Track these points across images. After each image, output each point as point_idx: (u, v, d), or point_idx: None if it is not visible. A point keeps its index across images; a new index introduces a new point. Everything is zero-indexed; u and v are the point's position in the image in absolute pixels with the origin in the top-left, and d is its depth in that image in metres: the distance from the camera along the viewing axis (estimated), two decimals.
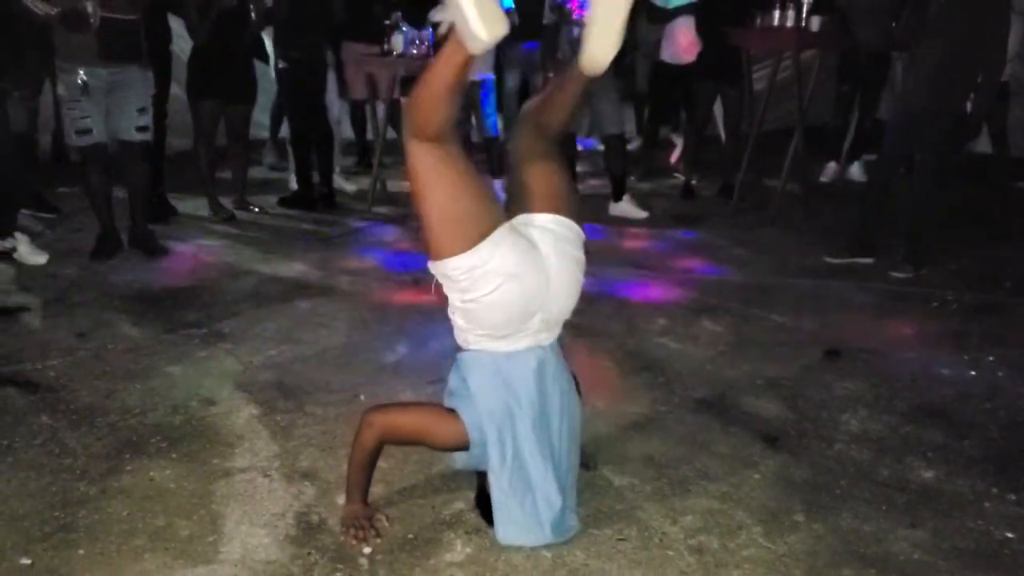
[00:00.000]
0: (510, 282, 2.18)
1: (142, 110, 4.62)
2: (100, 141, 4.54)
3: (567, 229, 2.33)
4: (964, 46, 4.45)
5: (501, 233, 2.19)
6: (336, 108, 6.51)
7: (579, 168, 6.52)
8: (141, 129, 4.64)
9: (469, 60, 2.13)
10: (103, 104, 4.47)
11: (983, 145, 7.27)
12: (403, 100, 7.00)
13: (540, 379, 2.29)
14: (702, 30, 6.33)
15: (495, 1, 2.05)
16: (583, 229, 2.40)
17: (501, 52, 6.22)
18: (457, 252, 2.17)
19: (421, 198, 2.19)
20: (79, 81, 4.35)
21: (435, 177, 2.17)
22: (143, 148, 4.73)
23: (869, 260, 4.94)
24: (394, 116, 7.18)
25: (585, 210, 6.10)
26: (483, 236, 2.17)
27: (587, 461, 2.66)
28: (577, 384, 2.51)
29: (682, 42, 6.33)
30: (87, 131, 4.45)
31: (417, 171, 2.18)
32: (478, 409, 2.25)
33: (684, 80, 6.56)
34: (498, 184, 6.11)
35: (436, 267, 2.24)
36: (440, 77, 2.13)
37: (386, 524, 2.39)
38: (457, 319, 2.31)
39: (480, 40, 2.04)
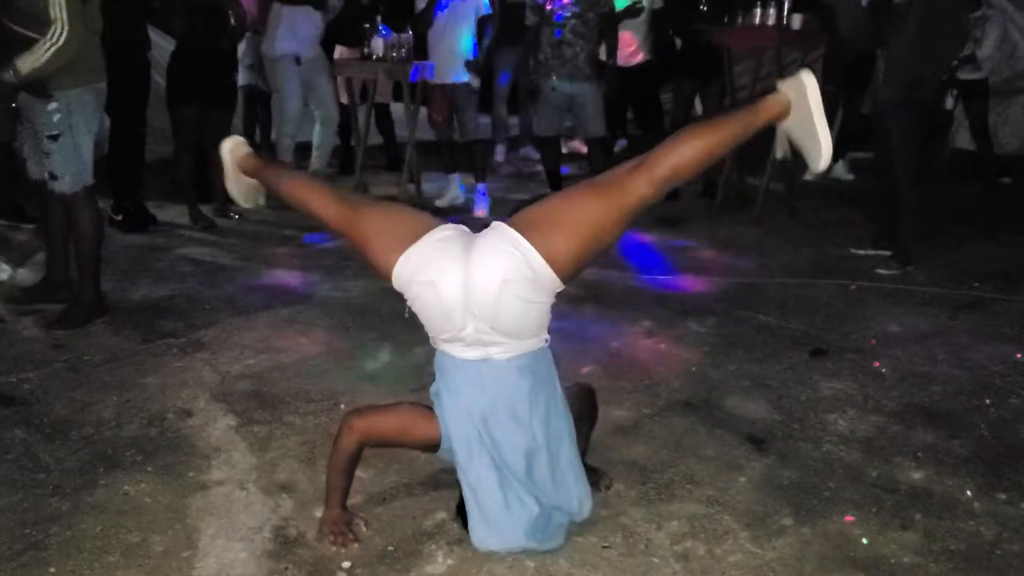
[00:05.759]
0: (426, 289, 2.19)
1: (46, 154, 3.61)
2: (33, 176, 3.86)
3: (517, 250, 2.14)
4: (924, 34, 4.45)
5: (428, 237, 2.22)
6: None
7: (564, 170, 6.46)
8: (52, 177, 3.62)
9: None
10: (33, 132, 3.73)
11: (966, 142, 7.28)
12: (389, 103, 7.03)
13: (492, 388, 2.20)
14: (678, 28, 6.29)
15: None
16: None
17: (488, 56, 6.16)
18: (392, 262, 2.22)
19: (359, 241, 2.31)
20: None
21: (355, 223, 2.32)
22: (61, 199, 3.71)
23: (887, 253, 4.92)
24: (378, 120, 7.16)
25: None
26: (412, 240, 2.22)
27: (599, 480, 2.57)
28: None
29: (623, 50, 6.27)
30: (24, 160, 3.82)
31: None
32: (445, 408, 2.25)
33: (632, 82, 6.47)
34: (481, 188, 6.07)
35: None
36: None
37: (364, 529, 2.35)
38: None
39: None
